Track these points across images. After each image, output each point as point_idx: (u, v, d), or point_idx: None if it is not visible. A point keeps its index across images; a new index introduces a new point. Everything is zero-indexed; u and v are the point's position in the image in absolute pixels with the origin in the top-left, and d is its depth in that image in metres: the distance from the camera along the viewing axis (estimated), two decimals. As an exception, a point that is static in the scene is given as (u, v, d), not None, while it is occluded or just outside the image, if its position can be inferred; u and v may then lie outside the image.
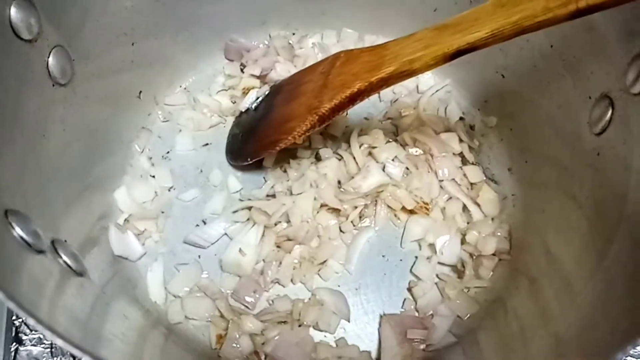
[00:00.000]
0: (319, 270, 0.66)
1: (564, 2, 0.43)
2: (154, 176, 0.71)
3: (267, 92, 0.75)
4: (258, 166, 0.73)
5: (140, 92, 0.73)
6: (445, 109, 0.79)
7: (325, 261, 0.66)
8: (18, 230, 0.43)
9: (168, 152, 0.74)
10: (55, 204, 0.53)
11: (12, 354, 0.60)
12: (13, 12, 0.47)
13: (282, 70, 0.77)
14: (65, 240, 0.52)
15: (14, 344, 0.61)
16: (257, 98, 0.75)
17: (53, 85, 0.54)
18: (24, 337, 0.61)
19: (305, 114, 0.62)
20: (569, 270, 0.53)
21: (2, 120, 0.46)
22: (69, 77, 0.56)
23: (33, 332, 0.61)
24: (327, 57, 0.68)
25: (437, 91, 0.80)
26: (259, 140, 0.69)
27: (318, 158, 0.73)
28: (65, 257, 0.47)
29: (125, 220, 0.66)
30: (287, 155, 0.72)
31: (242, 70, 0.79)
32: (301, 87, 0.66)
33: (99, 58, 0.62)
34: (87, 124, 0.61)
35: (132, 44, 0.68)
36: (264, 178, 0.73)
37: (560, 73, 0.61)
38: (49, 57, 0.53)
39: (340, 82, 0.60)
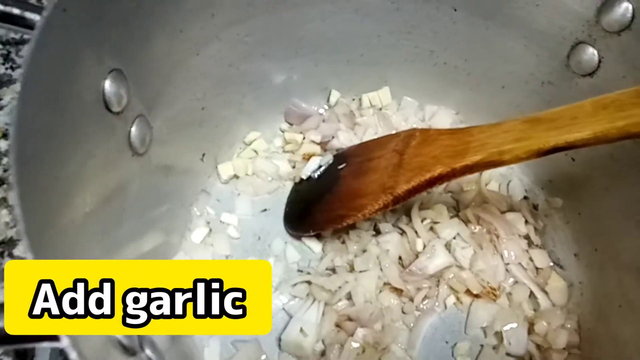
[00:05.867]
0: (381, 356, 0.63)
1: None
2: (212, 244, 0.69)
3: (330, 161, 0.73)
4: (316, 236, 0.71)
5: (204, 154, 0.72)
6: (508, 185, 0.77)
7: (387, 346, 0.63)
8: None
9: (226, 217, 0.72)
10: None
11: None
12: (107, 84, 0.46)
13: (345, 139, 0.75)
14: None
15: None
16: (320, 166, 0.73)
17: (132, 156, 0.53)
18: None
19: (378, 192, 0.61)
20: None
21: (94, 198, 0.44)
22: (147, 146, 0.55)
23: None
24: (397, 133, 0.67)
25: (498, 167, 0.78)
26: (324, 212, 0.67)
27: (377, 230, 0.71)
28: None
29: (184, 291, 0.63)
30: (344, 226, 0.70)
31: (302, 136, 0.78)
32: (371, 162, 0.65)
33: (173, 124, 0.61)
34: (157, 190, 0.60)
35: (202, 109, 0.67)
36: (322, 249, 0.71)
37: (642, 165, 0.59)
38: (131, 127, 0.52)
39: (419, 164, 0.58)
